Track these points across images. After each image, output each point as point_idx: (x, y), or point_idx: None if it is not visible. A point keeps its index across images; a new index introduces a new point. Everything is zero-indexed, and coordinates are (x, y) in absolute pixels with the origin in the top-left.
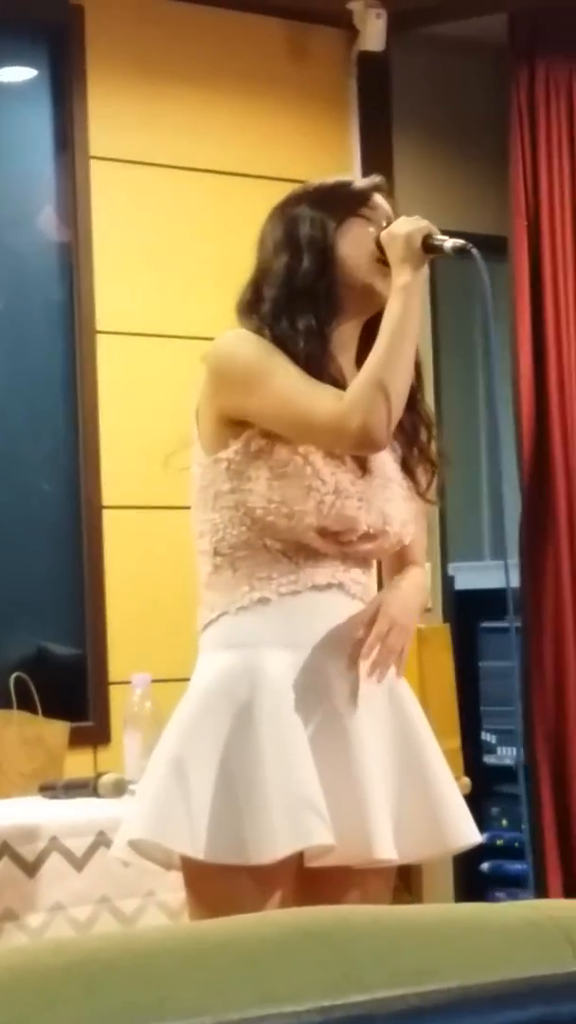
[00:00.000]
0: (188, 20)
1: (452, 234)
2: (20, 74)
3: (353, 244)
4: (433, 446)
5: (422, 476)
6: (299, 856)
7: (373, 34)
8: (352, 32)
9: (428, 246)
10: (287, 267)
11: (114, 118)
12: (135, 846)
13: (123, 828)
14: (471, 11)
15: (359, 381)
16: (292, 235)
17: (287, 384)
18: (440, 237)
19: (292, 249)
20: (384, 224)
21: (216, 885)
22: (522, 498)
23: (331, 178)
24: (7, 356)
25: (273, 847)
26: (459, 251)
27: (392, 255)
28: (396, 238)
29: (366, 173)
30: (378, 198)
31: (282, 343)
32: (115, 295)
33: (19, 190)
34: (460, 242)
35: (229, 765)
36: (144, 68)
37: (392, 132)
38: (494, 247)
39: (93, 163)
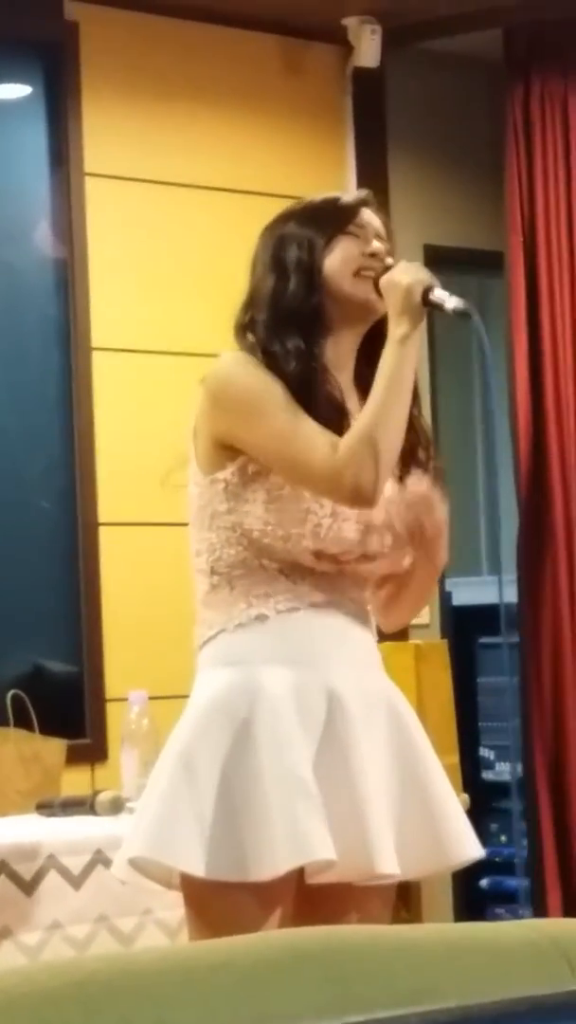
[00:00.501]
0: (183, 37)
1: (448, 250)
2: (15, 91)
3: (340, 262)
4: (431, 465)
5: None
6: (299, 874)
7: (368, 50)
8: (347, 48)
9: (428, 301)
10: (275, 289)
11: (109, 135)
12: (135, 864)
13: (123, 847)
14: (466, 27)
15: (353, 436)
16: (279, 257)
17: (282, 427)
18: (441, 293)
19: (279, 271)
20: (372, 240)
21: (217, 903)
22: (519, 514)
23: (320, 195)
24: (2, 372)
25: (273, 863)
26: (460, 314)
27: (391, 304)
28: (396, 288)
29: (362, 188)
30: (366, 213)
31: (274, 365)
32: (111, 311)
33: (14, 206)
34: (462, 304)
35: (229, 782)
36: (139, 85)
37: (387, 148)
38: (490, 262)
39: (88, 179)
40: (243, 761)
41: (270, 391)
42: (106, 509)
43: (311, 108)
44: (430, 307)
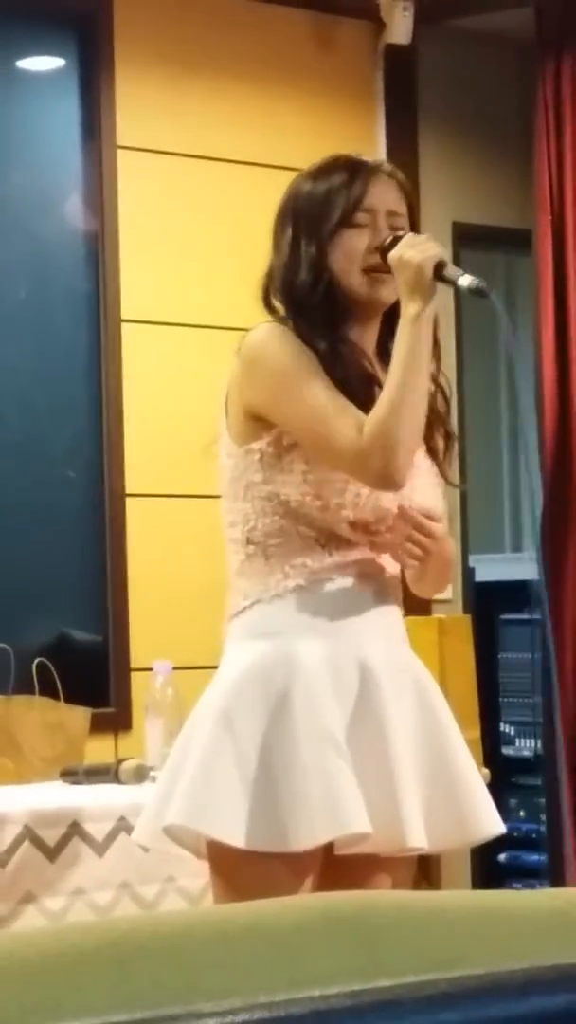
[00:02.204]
0: (216, 11)
1: (476, 228)
2: (48, 63)
3: (344, 260)
4: (451, 419)
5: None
6: (328, 843)
7: (400, 26)
8: (379, 24)
9: (441, 277)
10: (286, 280)
11: (141, 108)
12: (170, 832)
13: (144, 814)
14: (498, 4)
15: (375, 419)
16: (289, 245)
17: (311, 406)
18: (453, 269)
19: (291, 260)
20: (382, 227)
21: (250, 871)
22: (544, 491)
23: (334, 161)
24: (33, 344)
25: (312, 834)
26: (473, 292)
27: (402, 282)
28: (407, 266)
29: (379, 158)
30: (377, 192)
31: (305, 337)
32: (140, 284)
33: (46, 179)
34: (476, 281)
35: (268, 754)
36: (171, 58)
37: (418, 125)
38: (518, 240)
39: (120, 152)
40: (281, 732)
41: (301, 367)
42: (133, 480)
43: (342, 84)
44: (443, 282)
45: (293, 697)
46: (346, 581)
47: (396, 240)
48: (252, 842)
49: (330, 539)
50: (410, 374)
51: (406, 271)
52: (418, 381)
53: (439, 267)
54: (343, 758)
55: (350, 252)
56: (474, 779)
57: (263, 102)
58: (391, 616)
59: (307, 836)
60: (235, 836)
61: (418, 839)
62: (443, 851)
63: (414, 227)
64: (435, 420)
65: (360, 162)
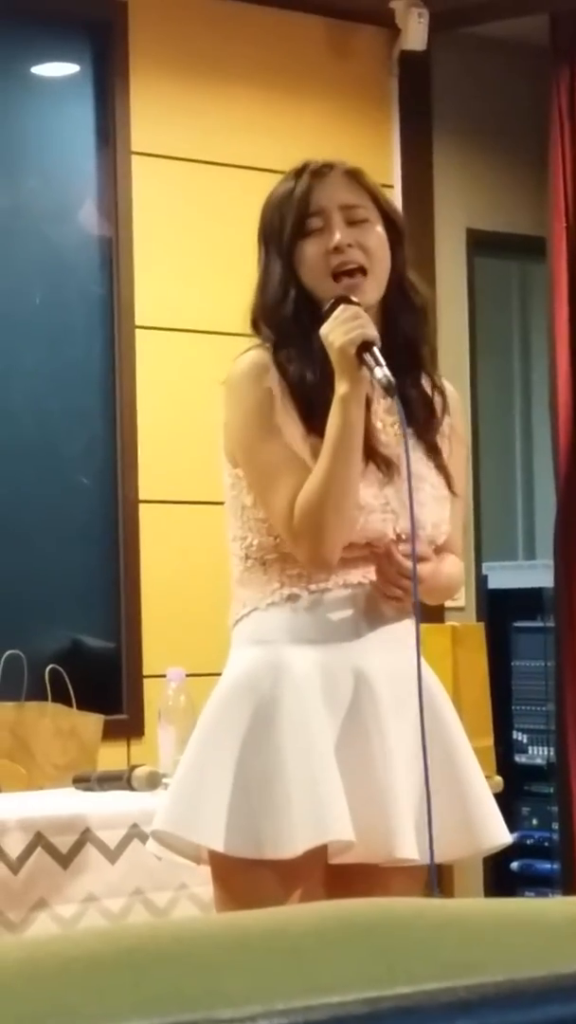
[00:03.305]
0: (231, 17)
1: (491, 235)
2: (63, 69)
3: (309, 271)
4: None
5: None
6: (325, 852)
7: (415, 33)
8: (394, 31)
9: (362, 358)
10: (260, 299)
11: (156, 114)
12: (158, 838)
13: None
14: (513, 11)
15: (303, 503)
16: (262, 264)
17: (260, 466)
18: (374, 356)
19: (262, 279)
20: (335, 230)
21: (240, 879)
22: (557, 498)
23: (285, 180)
24: (47, 350)
25: (292, 842)
26: (384, 387)
27: (332, 359)
28: (330, 348)
29: (406, 172)
30: (323, 192)
31: (281, 365)
32: (155, 290)
33: (61, 185)
34: (388, 377)
35: (251, 759)
36: (186, 65)
37: (432, 132)
38: (533, 248)
39: (134, 158)
40: (265, 738)
41: (262, 418)
42: (147, 487)
43: (357, 91)
44: (364, 365)
45: (281, 704)
46: (345, 590)
47: (335, 305)
48: (231, 847)
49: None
50: (339, 459)
51: (331, 352)
52: (348, 467)
53: (362, 349)
54: (329, 766)
55: (311, 261)
56: (481, 788)
57: (278, 108)
58: (397, 625)
59: (287, 844)
60: (216, 841)
61: (407, 850)
62: (450, 862)
63: (390, 222)
64: (434, 421)
65: (307, 166)
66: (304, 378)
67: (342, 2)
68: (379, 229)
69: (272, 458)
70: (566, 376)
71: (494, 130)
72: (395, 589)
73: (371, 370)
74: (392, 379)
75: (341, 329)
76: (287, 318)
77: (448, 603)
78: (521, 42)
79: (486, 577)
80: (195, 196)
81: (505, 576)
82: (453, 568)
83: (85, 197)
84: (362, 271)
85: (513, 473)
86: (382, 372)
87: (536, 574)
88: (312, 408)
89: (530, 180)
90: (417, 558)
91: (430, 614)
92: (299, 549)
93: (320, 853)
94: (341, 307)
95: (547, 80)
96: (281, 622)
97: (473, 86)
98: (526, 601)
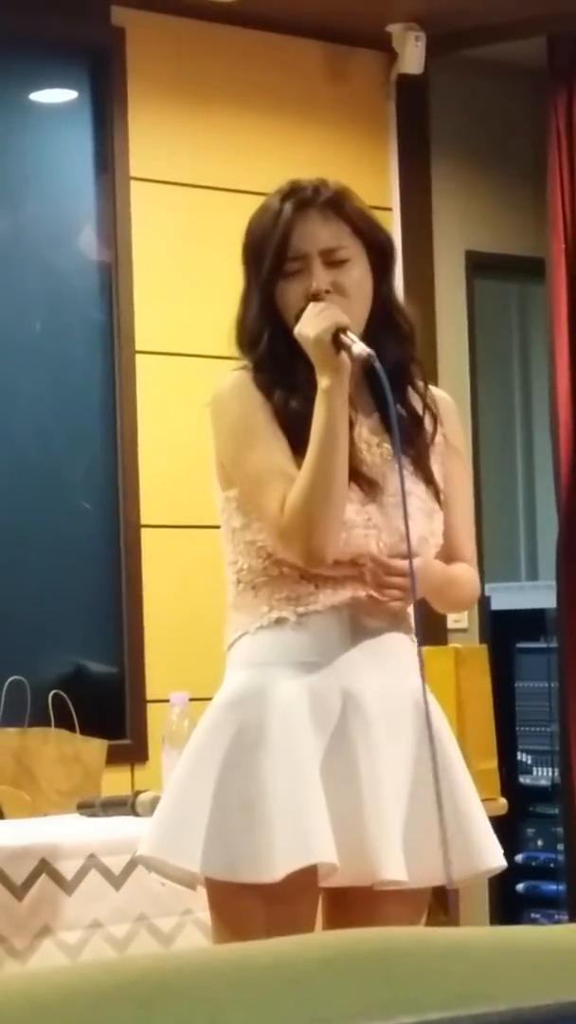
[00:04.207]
0: (228, 42)
1: (489, 257)
2: (62, 95)
3: (286, 310)
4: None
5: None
6: (315, 876)
7: (412, 57)
8: (391, 55)
9: (339, 343)
10: (241, 326)
11: (154, 139)
12: (144, 863)
13: None
14: (510, 34)
15: (292, 501)
16: (244, 290)
17: (250, 473)
18: (350, 336)
19: (243, 307)
20: (318, 259)
21: (228, 904)
22: (559, 519)
23: (265, 209)
24: (47, 375)
25: (271, 866)
26: (363, 362)
27: (310, 356)
28: (306, 342)
29: (405, 195)
30: (303, 234)
31: (263, 388)
32: (154, 315)
33: (60, 210)
34: (366, 350)
35: (230, 783)
36: (184, 90)
37: (430, 154)
38: (532, 269)
39: (133, 184)
40: (248, 762)
41: (249, 429)
42: (148, 511)
43: (355, 114)
44: (342, 350)
45: (267, 728)
46: (334, 612)
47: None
48: (207, 869)
49: (316, 574)
50: (325, 454)
51: (307, 346)
52: (334, 460)
53: (336, 335)
54: (313, 789)
55: (290, 303)
56: (477, 811)
57: (275, 133)
58: (389, 645)
59: (266, 867)
60: (192, 862)
61: (393, 872)
62: (443, 883)
63: (378, 251)
64: (422, 436)
65: (291, 192)
66: (287, 403)
67: (339, 26)
68: (360, 266)
69: (260, 463)
70: (566, 397)
71: (492, 152)
72: (392, 591)
73: (348, 350)
74: (371, 351)
75: (313, 322)
76: (263, 355)
77: (451, 624)
78: (518, 64)
79: (489, 598)
80: (194, 221)
81: (508, 597)
82: (465, 575)
83: (84, 223)
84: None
85: (515, 494)
86: (359, 347)
87: (539, 595)
88: (297, 433)
89: (528, 201)
90: (395, 563)
91: (433, 636)
92: (291, 548)
93: (309, 877)
94: (311, 305)
95: (545, 102)
96: (270, 645)
97: (471, 109)
98: (529, 622)
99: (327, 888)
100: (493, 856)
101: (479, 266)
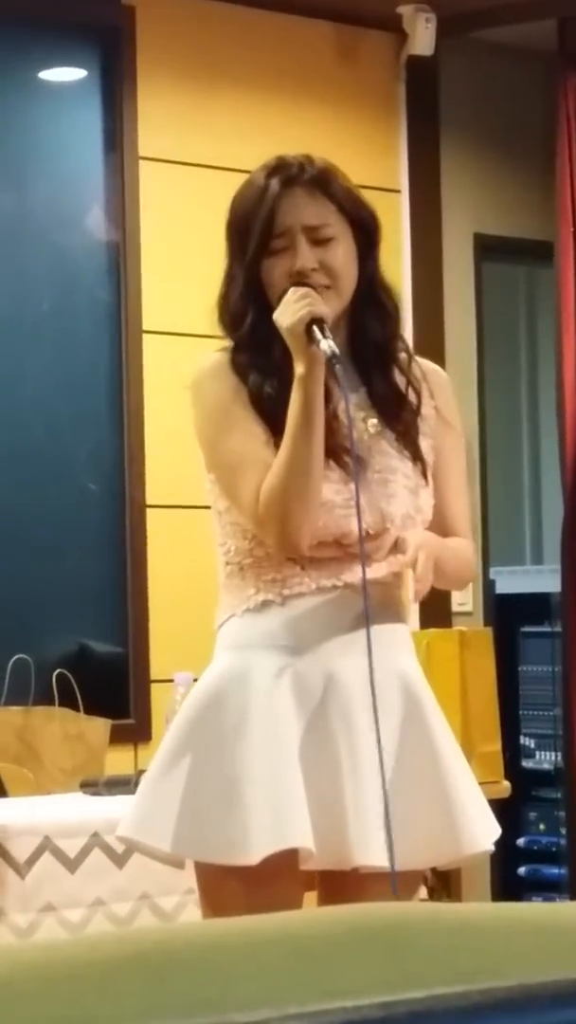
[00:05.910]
0: (238, 22)
1: (498, 240)
2: (70, 74)
3: (272, 291)
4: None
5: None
6: (295, 859)
7: (422, 38)
8: (401, 36)
9: (311, 336)
10: (223, 306)
11: (163, 119)
12: (124, 842)
13: None
14: (520, 16)
15: (267, 489)
16: (226, 268)
17: (226, 458)
18: (322, 330)
19: (226, 285)
20: (298, 249)
21: (210, 885)
22: (565, 503)
23: (250, 184)
24: (54, 355)
25: (246, 849)
26: (328, 358)
27: (287, 342)
28: (283, 331)
29: (414, 177)
30: (288, 210)
31: (240, 371)
32: (162, 295)
33: (68, 190)
34: (331, 349)
35: (208, 765)
36: (194, 70)
37: (440, 136)
38: (540, 252)
39: (142, 163)
40: (227, 744)
41: (226, 414)
42: (154, 491)
43: (364, 95)
44: (314, 342)
45: (249, 711)
46: (321, 595)
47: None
48: (179, 847)
49: (302, 557)
50: (299, 443)
51: (284, 335)
52: (308, 447)
53: (310, 325)
54: (292, 772)
55: (274, 281)
56: (467, 794)
57: (285, 113)
58: (378, 627)
59: (241, 849)
60: (163, 840)
61: (371, 856)
62: (432, 866)
63: (364, 229)
64: (405, 413)
65: (278, 167)
66: (262, 388)
67: (350, 7)
68: (345, 244)
69: (236, 449)
70: (573, 380)
71: (501, 135)
72: (422, 580)
73: (317, 343)
74: (336, 349)
75: (290, 310)
76: (245, 334)
77: (455, 607)
78: (529, 47)
79: (494, 582)
80: (203, 201)
81: (513, 581)
82: (462, 549)
83: (92, 202)
84: (325, 287)
85: (520, 478)
86: (325, 344)
87: (544, 579)
88: (273, 417)
89: (537, 185)
90: (392, 546)
91: (437, 619)
92: (267, 535)
93: (290, 860)
94: (291, 290)
95: (555, 85)
96: (255, 628)
97: (481, 91)
98: (534, 606)
99: (319, 871)
100: (478, 839)
101: (487, 249)
